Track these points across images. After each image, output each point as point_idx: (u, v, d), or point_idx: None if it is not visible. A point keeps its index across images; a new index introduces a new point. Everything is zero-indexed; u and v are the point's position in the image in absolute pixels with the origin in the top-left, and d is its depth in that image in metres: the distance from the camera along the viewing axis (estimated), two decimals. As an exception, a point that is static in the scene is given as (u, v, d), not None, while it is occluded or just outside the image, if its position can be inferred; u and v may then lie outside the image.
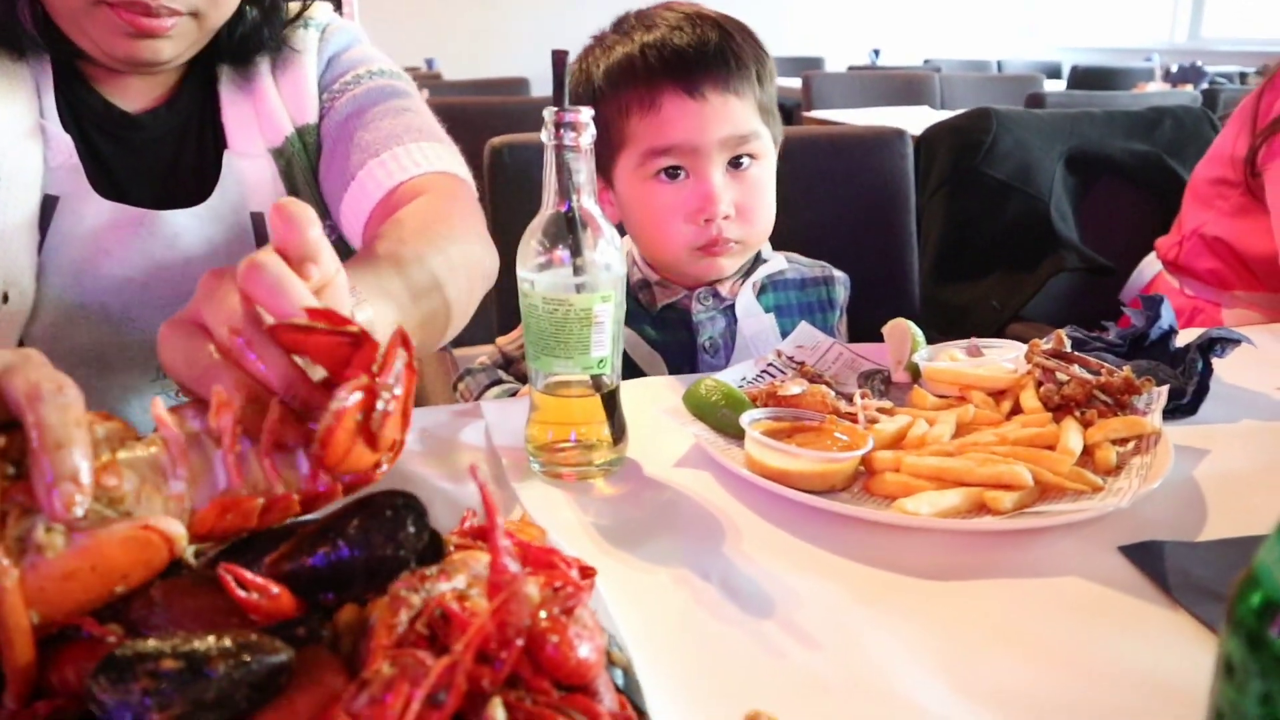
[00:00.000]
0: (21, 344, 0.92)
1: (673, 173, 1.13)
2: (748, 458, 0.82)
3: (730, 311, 1.22)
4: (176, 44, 0.93)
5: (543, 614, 0.45)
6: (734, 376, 0.99)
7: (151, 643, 0.41)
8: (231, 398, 0.51)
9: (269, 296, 0.51)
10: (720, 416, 0.88)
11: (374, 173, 1.00)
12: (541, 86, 5.94)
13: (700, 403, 0.89)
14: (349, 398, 0.49)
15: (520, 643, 0.43)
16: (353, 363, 0.51)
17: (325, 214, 1.08)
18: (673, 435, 0.90)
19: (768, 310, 1.24)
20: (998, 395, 0.94)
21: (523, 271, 0.80)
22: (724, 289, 1.22)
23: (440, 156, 1.04)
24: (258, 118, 1.05)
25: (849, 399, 0.94)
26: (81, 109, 0.98)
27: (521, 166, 1.50)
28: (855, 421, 0.88)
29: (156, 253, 0.98)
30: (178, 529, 0.49)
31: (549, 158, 0.78)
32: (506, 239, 1.09)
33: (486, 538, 0.52)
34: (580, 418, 0.82)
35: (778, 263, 1.27)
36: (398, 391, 0.52)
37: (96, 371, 0.97)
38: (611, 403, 0.83)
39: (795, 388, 0.90)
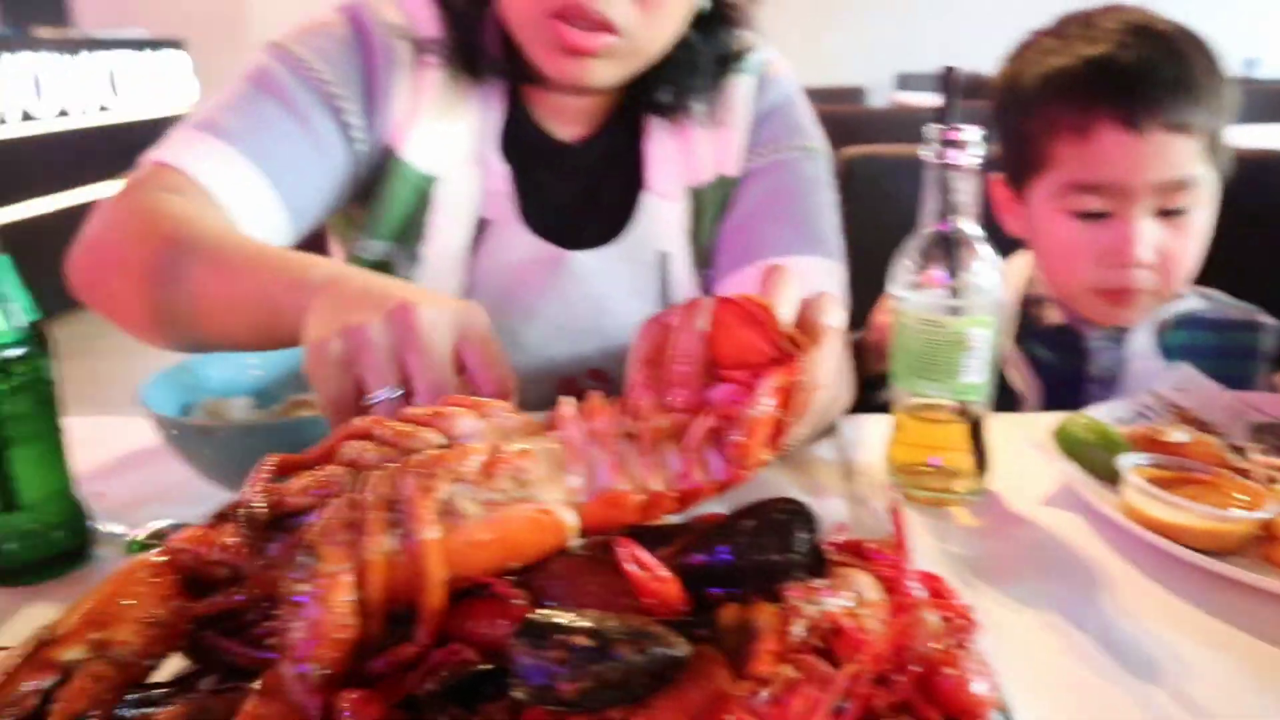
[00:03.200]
0: None
1: (1093, 215, 1.04)
2: (1126, 505, 0.76)
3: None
4: (607, 67, 0.94)
5: (939, 644, 0.44)
6: (1107, 414, 0.92)
7: (569, 617, 0.45)
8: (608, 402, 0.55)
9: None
10: (1094, 457, 0.83)
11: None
12: (878, 96, 5.86)
13: (1073, 440, 0.84)
14: (768, 404, 0.52)
15: (916, 669, 0.43)
16: (770, 370, 0.54)
17: (708, 262, 1.09)
18: (1040, 471, 0.86)
19: (1175, 351, 1.11)
20: None
21: (895, 289, 0.79)
22: (1144, 321, 1.12)
23: (827, 280, 1.02)
24: (682, 157, 1.06)
25: (1239, 452, 0.86)
26: (520, 135, 1.03)
27: (874, 178, 1.49)
28: (1249, 478, 0.80)
29: (569, 288, 1.04)
30: (572, 518, 0.53)
31: (930, 175, 0.77)
32: (858, 253, 1.09)
33: (873, 558, 0.53)
34: (944, 443, 0.80)
35: (1192, 300, 1.15)
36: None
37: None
38: (978, 431, 0.80)
39: (1180, 435, 0.83)
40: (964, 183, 0.76)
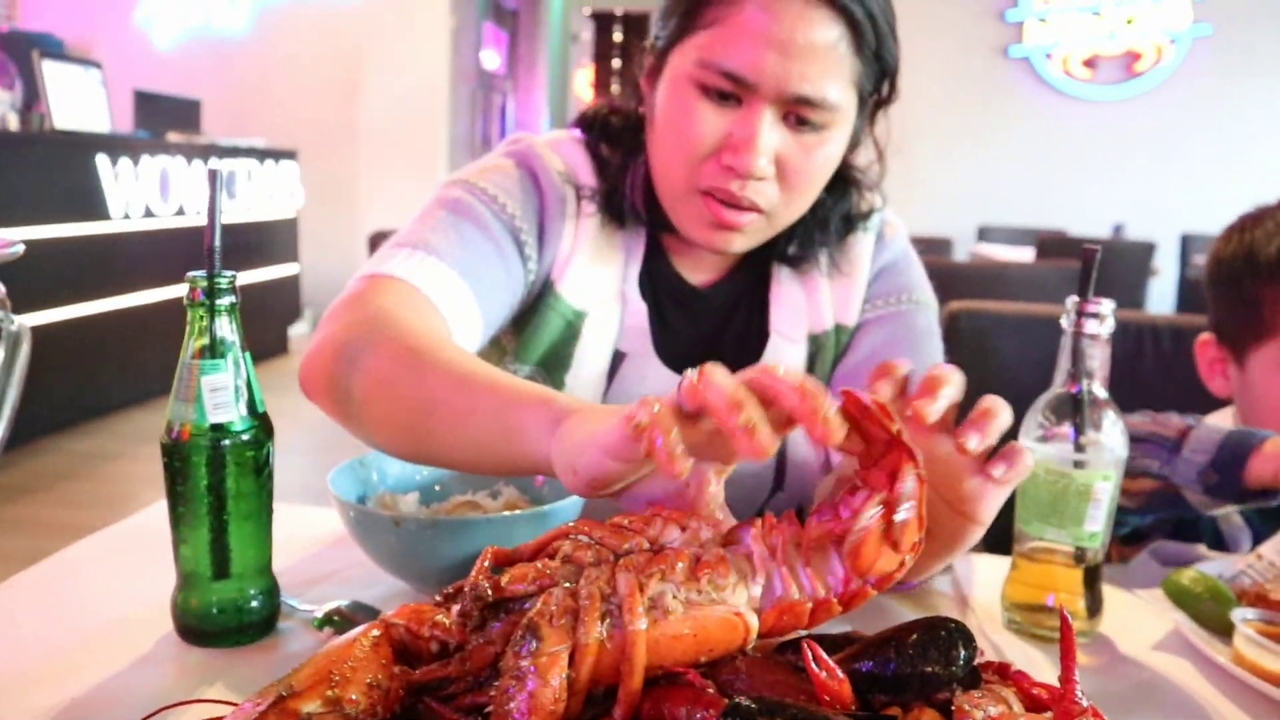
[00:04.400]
0: None
1: None
2: (1237, 654, 0.81)
3: None
4: (748, 238, 1.03)
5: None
6: (1212, 571, 0.97)
7: (774, 703, 0.52)
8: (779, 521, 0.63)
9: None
10: (1203, 608, 0.88)
11: None
12: (961, 248, 5.98)
13: (1183, 592, 0.90)
14: (872, 513, 0.59)
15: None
16: (880, 464, 0.61)
17: None
18: (1148, 618, 0.91)
19: None
20: None
21: (1025, 440, 0.87)
22: None
23: None
24: (806, 304, 1.14)
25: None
26: (657, 278, 1.12)
27: (977, 333, 1.57)
28: (1356, 641, 0.84)
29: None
30: (755, 622, 0.61)
31: (1066, 342, 0.85)
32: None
33: (1018, 679, 0.60)
34: (1060, 585, 0.86)
35: None
36: (913, 500, 0.60)
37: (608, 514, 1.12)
38: (1093, 576, 0.86)
39: (1288, 594, 0.88)
40: (1096, 349, 0.84)
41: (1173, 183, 6.81)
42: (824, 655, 0.57)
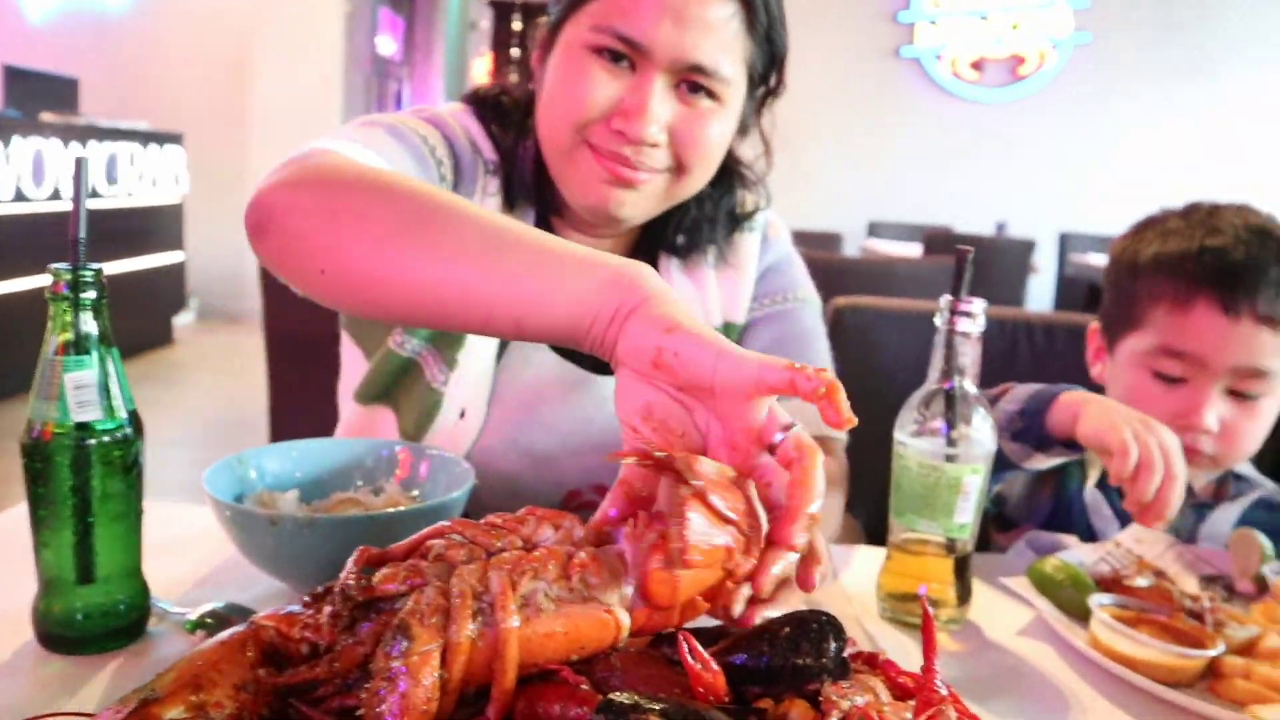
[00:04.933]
0: (468, 458, 1.11)
1: (1171, 379, 1.16)
2: (1093, 638, 0.85)
3: (1199, 510, 1.23)
4: (642, 202, 1.03)
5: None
6: (1074, 559, 1.02)
7: (644, 699, 0.53)
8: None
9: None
10: (1064, 595, 0.92)
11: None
12: (850, 244, 6.12)
13: (1046, 580, 0.94)
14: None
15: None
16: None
17: None
18: (1014, 605, 0.95)
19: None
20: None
21: (899, 435, 0.89)
22: (1196, 484, 1.24)
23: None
24: (696, 297, 1.16)
25: (1192, 599, 0.96)
26: None
27: (861, 328, 1.61)
28: (1201, 621, 0.90)
29: (588, 409, 1.12)
30: (627, 619, 0.62)
31: (939, 338, 0.88)
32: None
33: (887, 668, 0.62)
34: (931, 575, 0.90)
35: (1263, 485, 1.27)
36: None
37: (506, 497, 1.10)
38: (963, 565, 0.90)
39: (1142, 580, 0.93)
40: (968, 347, 0.87)
41: (1053, 183, 7.09)
42: (699, 648, 0.58)
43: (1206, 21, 6.79)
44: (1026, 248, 5.12)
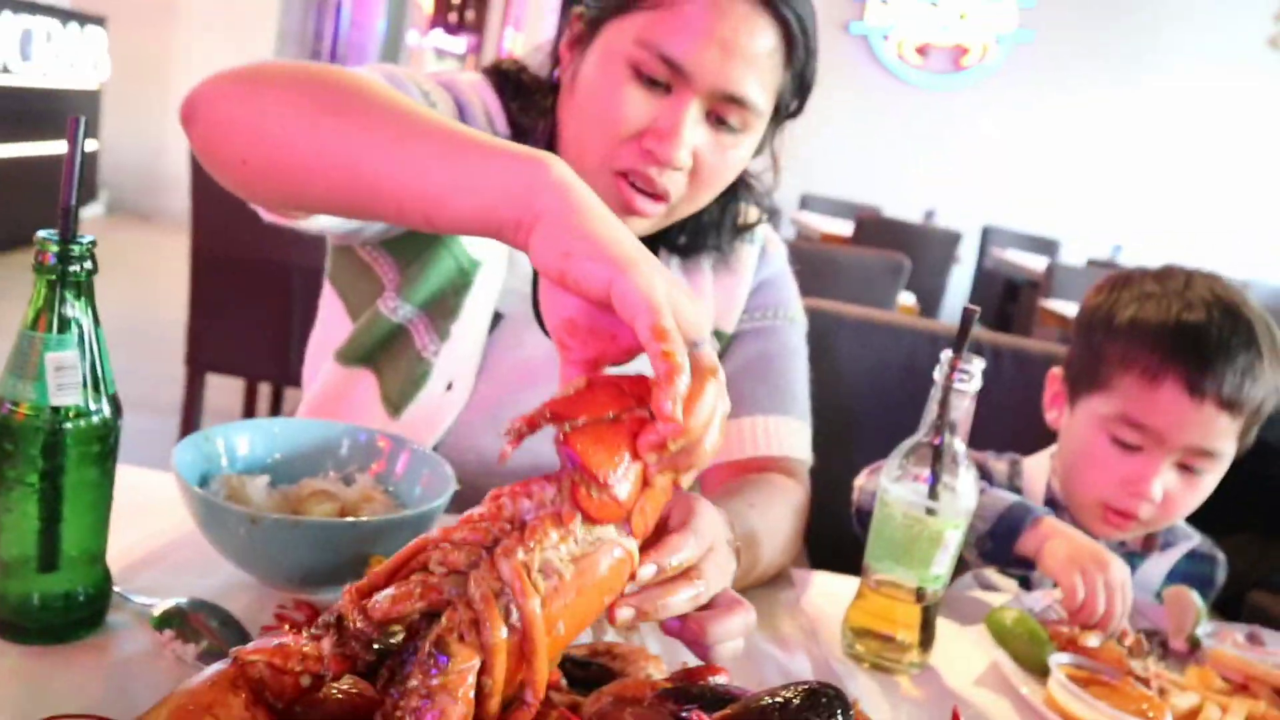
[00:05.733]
0: (449, 432, 1.08)
1: (1127, 445, 1.19)
2: (1049, 698, 0.89)
3: (1130, 559, 1.25)
4: (647, 226, 1.04)
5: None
6: (1025, 604, 1.06)
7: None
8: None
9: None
10: (1021, 648, 0.95)
11: (744, 432, 1.12)
12: (782, 217, 6.13)
13: (1004, 631, 0.97)
14: None
15: None
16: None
17: None
18: (973, 653, 0.98)
19: (1176, 575, 1.30)
20: (1283, 694, 0.97)
21: (885, 482, 0.91)
22: (1126, 535, 1.28)
23: (796, 439, 1.14)
24: None
25: (1130, 650, 1.00)
26: None
27: (817, 332, 1.61)
28: (1147, 685, 0.94)
29: None
30: (634, 544, 0.62)
31: (935, 393, 0.89)
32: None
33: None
34: (900, 619, 0.91)
35: (1193, 537, 1.33)
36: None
37: (482, 474, 1.07)
38: (930, 613, 0.92)
39: (1093, 640, 0.97)
40: (963, 403, 0.88)
41: (981, 177, 7.23)
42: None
43: (1144, 30, 6.96)
44: (954, 239, 5.23)
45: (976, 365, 0.88)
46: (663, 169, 0.97)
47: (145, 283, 5.02)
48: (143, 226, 6.38)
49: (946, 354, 0.88)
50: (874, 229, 4.93)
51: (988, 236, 6.40)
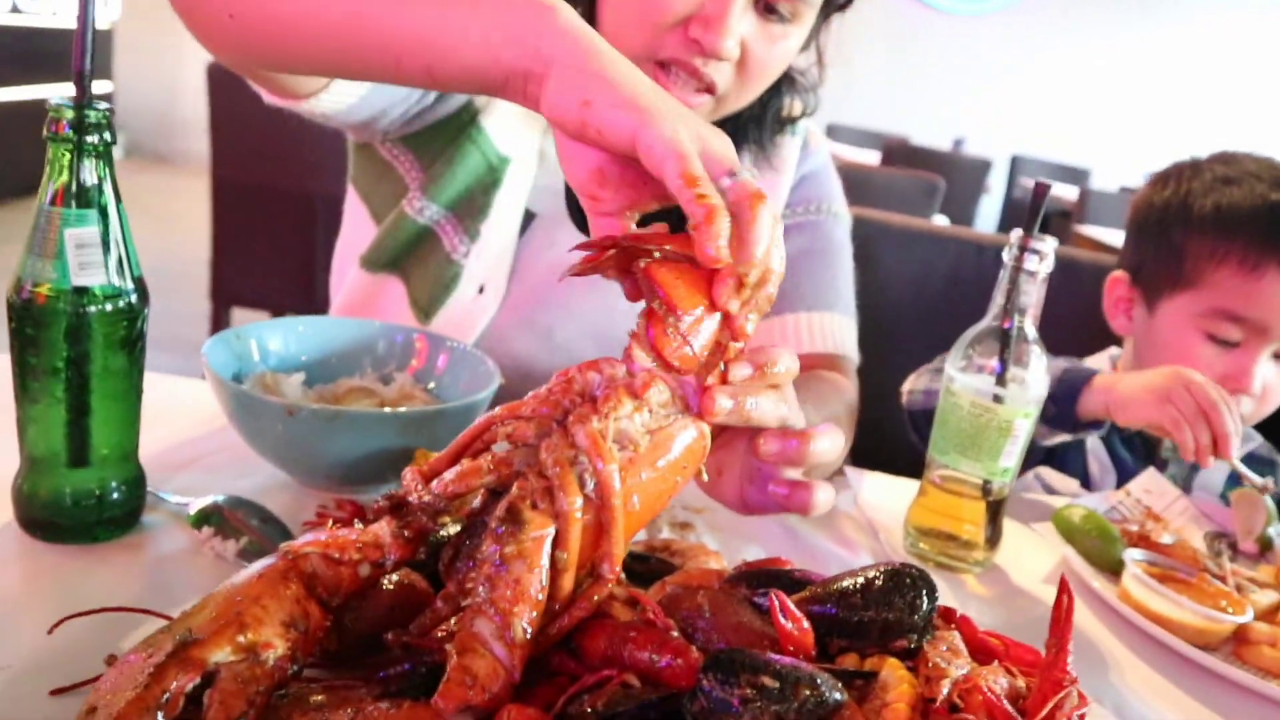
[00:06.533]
0: (482, 336, 1.04)
1: (1224, 341, 1.12)
2: (1124, 593, 0.84)
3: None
4: None
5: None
6: (1087, 504, 1.01)
7: (756, 657, 0.49)
8: None
9: None
10: (1090, 545, 0.91)
11: (789, 328, 1.08)
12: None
13: (1072, 528, 0.92)
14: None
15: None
16: None
17: None
18: (1040, 550, 0.94)
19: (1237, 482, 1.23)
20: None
21: (950, 370, 0.86)
22: None
23: (843, 335, 1.10)
24: None
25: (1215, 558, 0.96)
26: None
27: (861, 240, 1.56)
28: (1223, 582, 0.89)
29: (610, 298, 1.04)
30: (706, 428, 0.58)
31: (1005, 275, 0.83)
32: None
33: (962, 625, 0.59)
34: (966, 516, 0.87)
35: (1254, 439, 1.26)
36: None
37: (518, 380, 1.02)
38: (996, 509, 0.87)
39: (1168, 537, 0.92)
40: (1033, 286, 0.82)
41: (1010, 105, 7.05)
42: (791, 606, 0.54)
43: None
44: (984, 167, 5.10)
45: (1049, 244, 0.82)
46: (708, 59, 0.91)
47: (165, 224, 4.98)
48: (161, 169, 6.32)
49: (1016, 233, 0.82)
50: (902, 157, 4.81)
51: (1016, 166, 6.26)
